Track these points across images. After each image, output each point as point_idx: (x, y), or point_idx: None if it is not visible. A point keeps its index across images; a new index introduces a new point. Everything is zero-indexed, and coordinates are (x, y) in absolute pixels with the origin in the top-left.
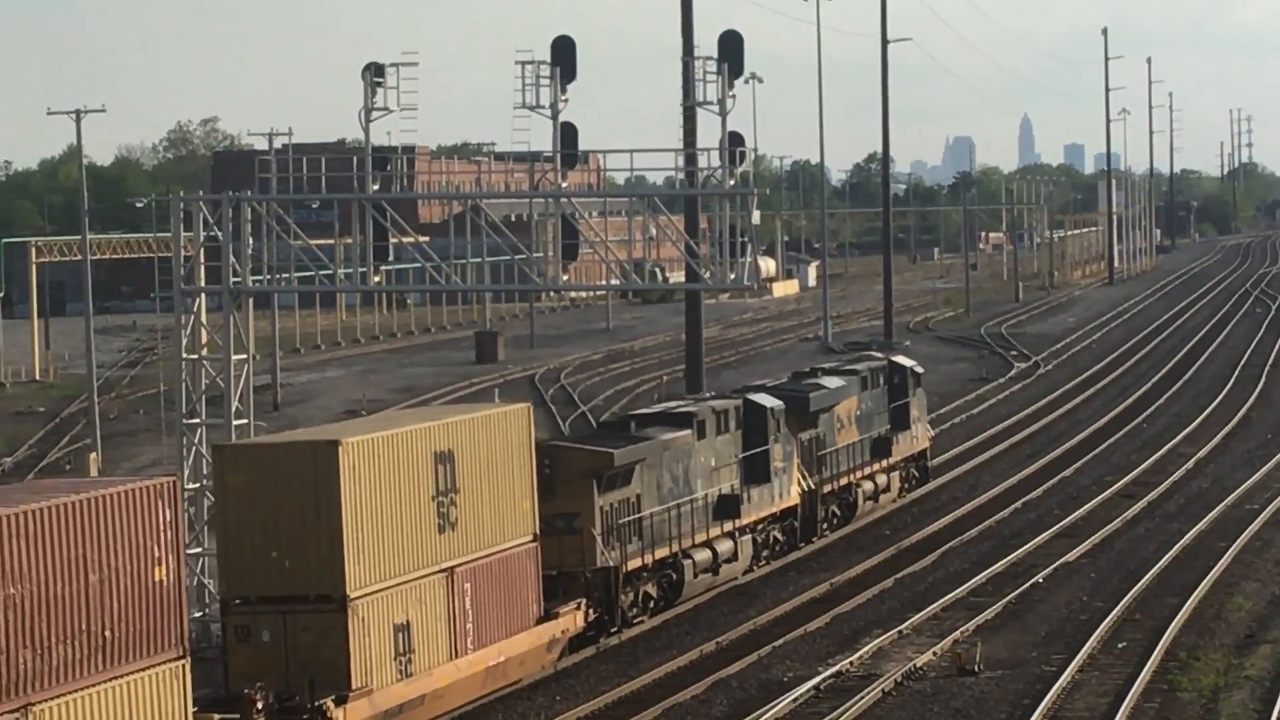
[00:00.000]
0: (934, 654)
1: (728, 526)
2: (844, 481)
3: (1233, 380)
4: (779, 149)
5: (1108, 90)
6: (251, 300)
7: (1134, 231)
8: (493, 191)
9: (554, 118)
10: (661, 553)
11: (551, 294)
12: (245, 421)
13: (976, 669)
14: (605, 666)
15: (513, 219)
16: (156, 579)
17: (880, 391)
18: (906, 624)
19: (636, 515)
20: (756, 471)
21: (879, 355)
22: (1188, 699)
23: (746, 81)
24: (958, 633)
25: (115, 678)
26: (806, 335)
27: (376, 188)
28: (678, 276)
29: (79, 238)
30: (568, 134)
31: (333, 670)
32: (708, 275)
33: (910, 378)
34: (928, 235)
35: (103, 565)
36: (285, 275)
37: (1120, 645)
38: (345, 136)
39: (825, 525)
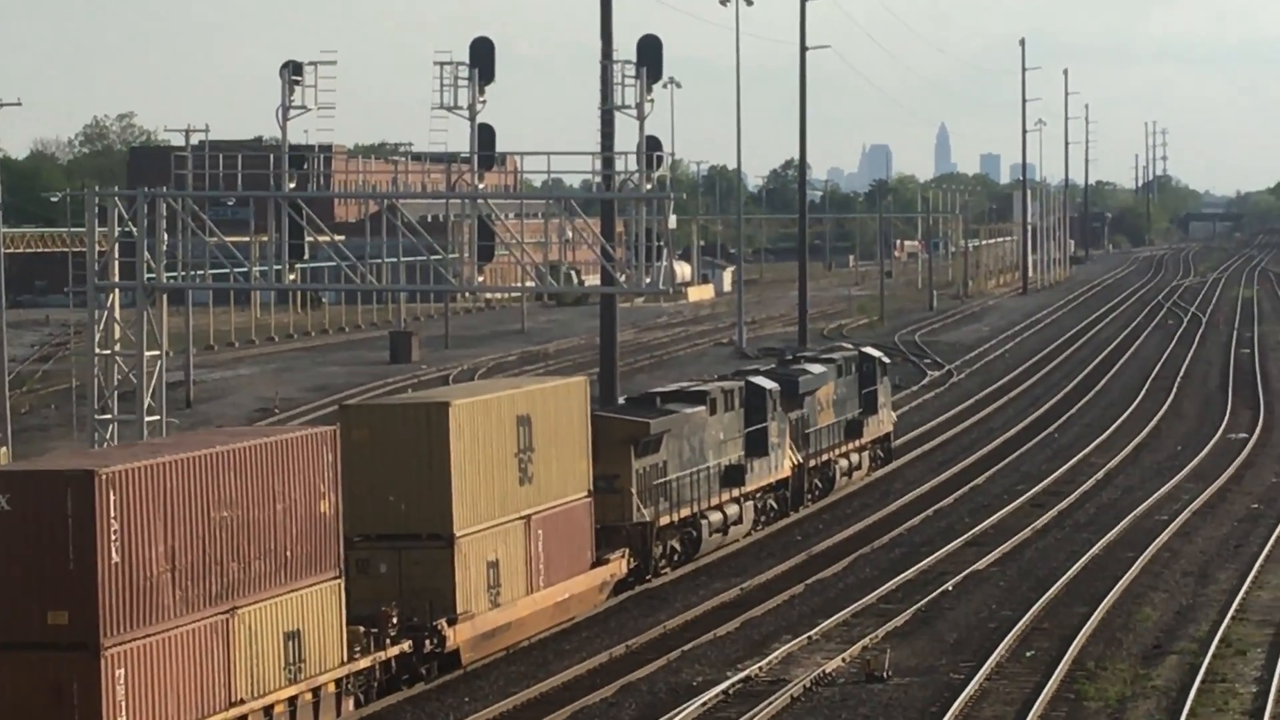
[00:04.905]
0: (843, 660)
1: (734, 493)
2: (825, 458)
3: (1144, 391)
4: (696, 154)
5: (1024, 101)
6: (165, 296)
7: (1048, 242)
8: (409, 192)
9: (472, 119)
10: (684, 512)
11: (466, 295)
12: (157, 418)
13: (885, 676)
14: (514, 668)
15: (429, 219)
16: (322, 510)
17: (853, 378)
18: (816, 630)
19: (664, 479)
20: (757, 445)
21: (850, 346)
22: (1094, 708)
23: (665, 86)
24: (867, 639)
25: (293, 590)
26: (721, 340)
27: (293, 186)
28: (593, 279)
29: None
30: (485, 135)
31: (440, 598)
32: (623, 279)
33: (878, 367)
34: (843, 242)
35: (286, 497)
36: (200, 272)
37: (1029, 654)
38: (262, 134)
39: (809, 496)
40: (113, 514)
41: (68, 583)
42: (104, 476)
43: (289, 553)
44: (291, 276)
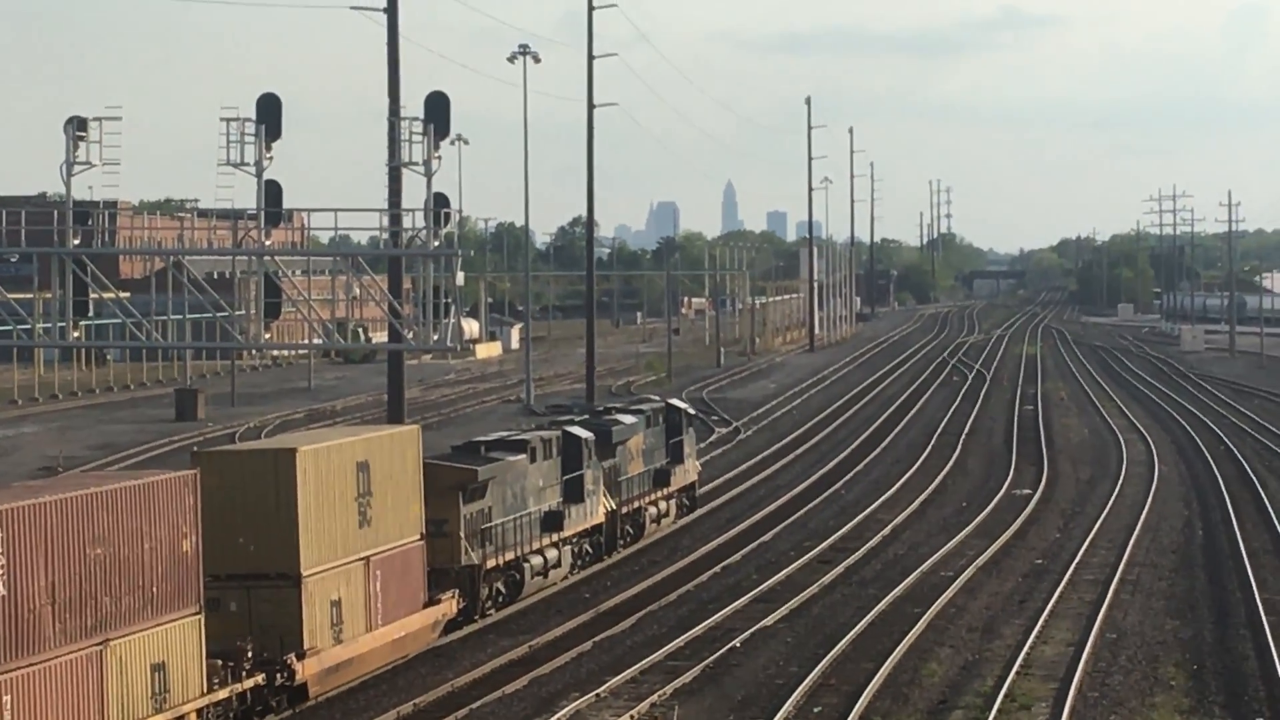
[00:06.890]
0: (631, 718)
1: (554, 538)
2: (636, 505)
3: (929, 448)
4: (484, 211)
5: (810, 158)
6: None
7: (835, 299)
8: (195, 248)
9: (258, 175)
10: (508, 556)
11: (253, 352)
12: None
13: None
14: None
15: (215, 276)
16: (184, 550)
17: (660, 429)
18: (604, 687)
19: (490, 523)
20: (574, 492)
21: (657, 398)
22: None
23: (452, 143)
24: (655, 696)
25: (158, 625)
26: (509, 397)
27: (77, 242)
28: (381, 336)
29: None
30: (272, 192)
31: (289, 634)
32: (410, 336)
33: (684, 418)
34: (631, 299)
35: (152, 536)
36: None
37: (816, 709)
38: (46, 190)
39: (622, 541)
40: (0, 550)
41: None
42: None
43: (155, 589)
44: (76, 334)
